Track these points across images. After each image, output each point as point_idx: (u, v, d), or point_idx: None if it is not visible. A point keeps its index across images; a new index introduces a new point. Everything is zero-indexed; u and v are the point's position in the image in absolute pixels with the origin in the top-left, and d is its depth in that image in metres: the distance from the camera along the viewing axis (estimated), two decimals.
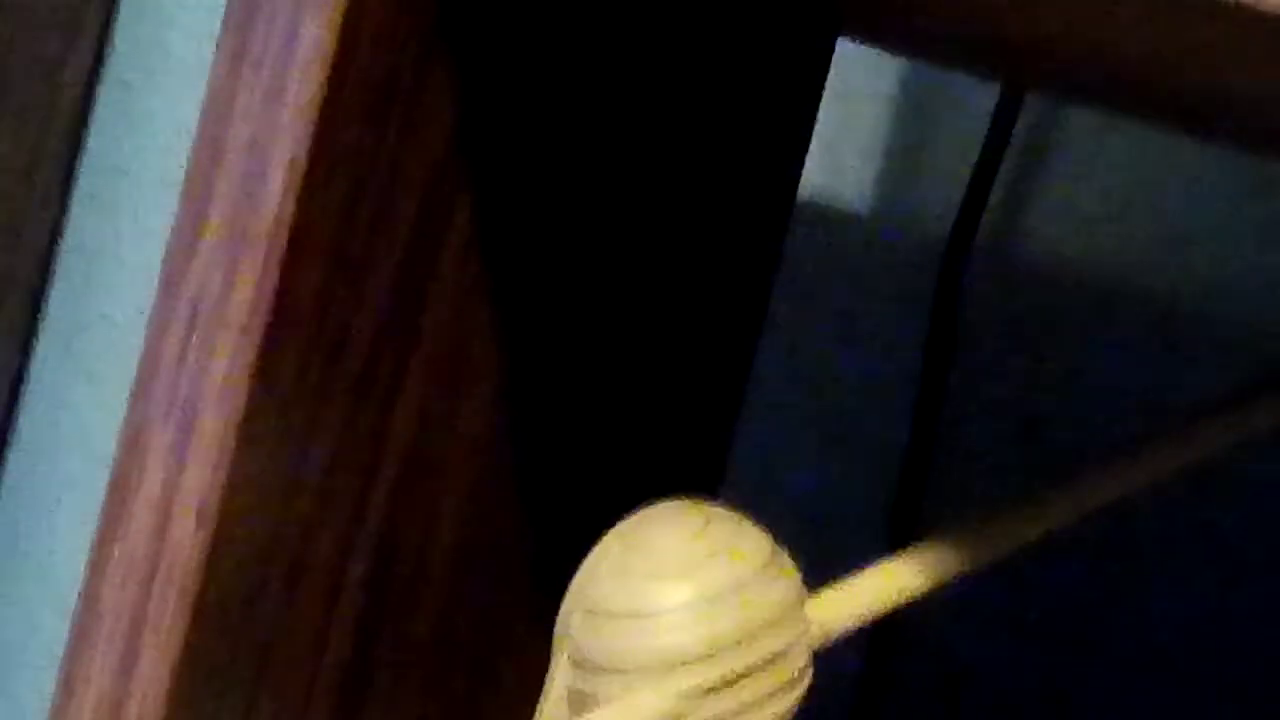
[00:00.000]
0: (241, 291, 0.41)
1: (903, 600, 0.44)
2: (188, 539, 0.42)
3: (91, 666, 0.42)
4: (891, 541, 0.72)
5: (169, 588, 0.42)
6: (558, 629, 0.42)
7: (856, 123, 0.77)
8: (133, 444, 0.43)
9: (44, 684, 1.03)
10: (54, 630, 1.03)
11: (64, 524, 1.05)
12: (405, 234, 0.44)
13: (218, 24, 0.42)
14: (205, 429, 0.42)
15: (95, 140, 1.06)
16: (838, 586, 0.43)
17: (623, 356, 0.53)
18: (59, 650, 0.43)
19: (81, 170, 1.06)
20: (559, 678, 0.42)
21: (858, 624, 0.43)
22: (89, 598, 0.43)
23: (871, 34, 0.59)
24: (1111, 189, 0.72)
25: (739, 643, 0.40)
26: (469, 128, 0.45)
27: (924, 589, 0.44)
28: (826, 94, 0.60)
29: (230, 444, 0.41)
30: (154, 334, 0.43)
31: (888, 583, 0.44)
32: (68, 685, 0.43)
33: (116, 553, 0.42)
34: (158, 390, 0.42)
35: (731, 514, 0.43)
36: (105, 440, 1.03)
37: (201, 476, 0.42)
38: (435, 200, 0.45)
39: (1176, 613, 0.69)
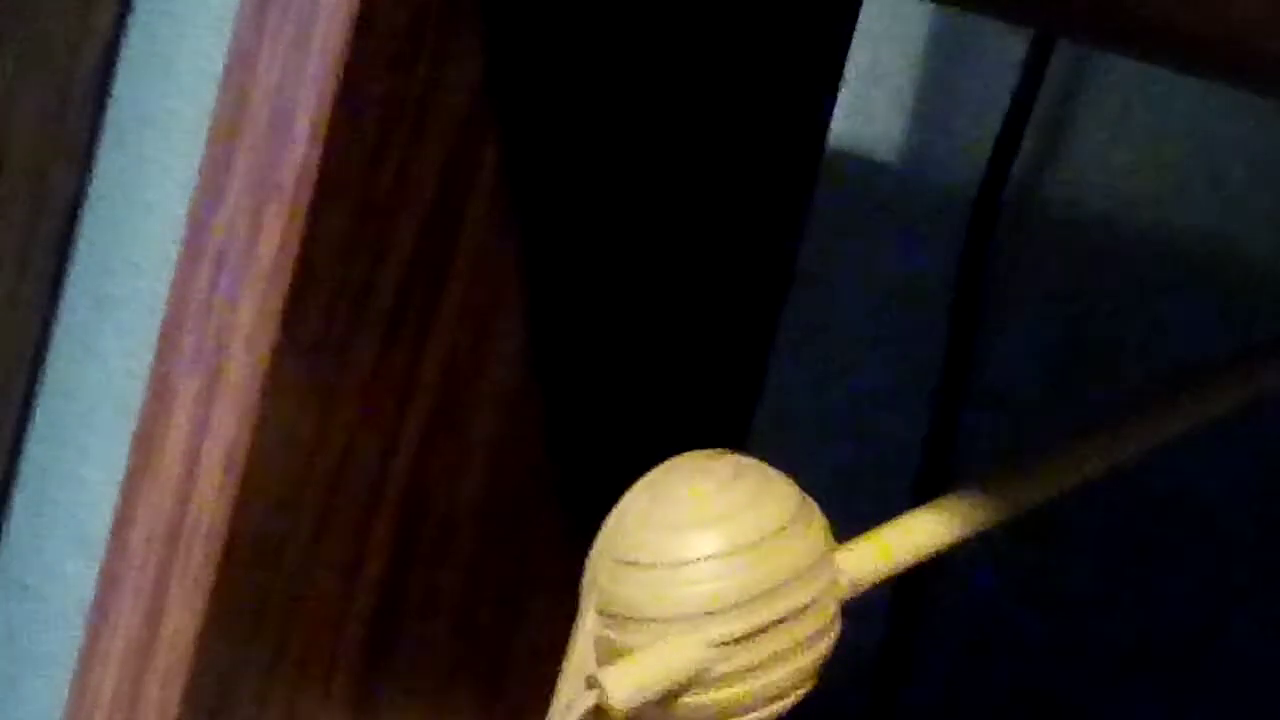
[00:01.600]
0: (268, 239, 0.41)
1: (931, 552, 0.44)
2: (215, 487, 0.42)
3: (120, 614, 0.43)
4: (920, 492, 0.72)
5: (196, 536, 0.42)
6: (585, 579, 0.42)
7: (886, 69, 0.77)
8: (160, 392, 0.43)
9: (72, 631, 1.03)
10: (82, 578, 1.04)
11: (92, 471, 1.05)
12: (432, 182, 0.44)
13: None
14: (232, 377, 0.41)
15: (122, 88, 1.06)
16: (866, 537, 0.43)
17: (651, 305, 0.53)
18: (87, 597, 0.43)
19: (109, 118, 1.06)
20: (587, 627, 0.42)
21: (886, 575, 0.43)
22: (117, 545, 0.43)
23: None
24: (1142, 136, 0.71)
25: (767, 593, 0.40)
26: (496, 75, 0.45)
27: (952, 540, 0.44)
28: (855, 39, 0.59)
29: (257, 392, 0.41)
30: (180, 281, 0.42)
31: (916, 534, 0.44)
32: (96, 633, 0.43)
33: (144, 501, 0.42)
34: (185, 338, 0.42)
35: (759, 465, 0.42)
36: (133, 388, 1.03)
37: (229, 424, 0.41)
38: (462, 148, 0.45)
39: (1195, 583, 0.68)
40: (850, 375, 0.77)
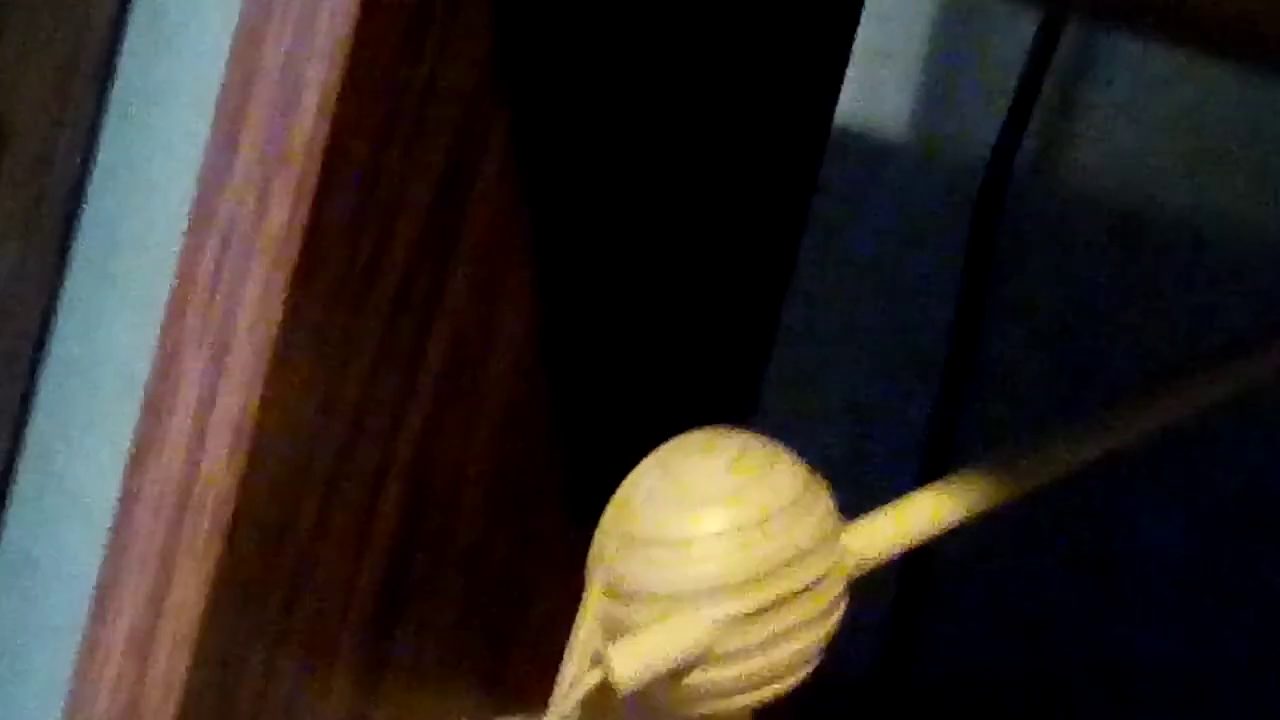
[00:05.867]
0: (275, 215, 0.41)
1: (938, 530, 0.44)
2: (221, 463, 0.42)
3: (125, 589, 0.43)
4: (926, 471, 0.72)
5: (202, 512, 0.42)
6: (592, 556, 0.42)
7: (895, 47, 0.76)
8: (166, 367, 0.43)
9: (77, 606, 1.03)
10: (87, 552, 1.04)
11: (97, 444, 1.05)
12: (439, 159, 0.44)
13: None
14: (239, 353, 0.41)
15: (128, 64, 1.06)
16: (873, 516, 0.43)
17: (659, 281, 0.53)
18: (92, 572, 0.43)
19: (114, 94, 1.06)
20: (593, 604, 0.42)
21: (893, 554, 0.43)
22: (122, 521, 0.43)
23: None
24: (1150, 117, 0.71)
25: (774, 571, 0.40)
26: (503, 54, 0.45)
27: (959, 519, 0.44)
28: (863, 19, 0.59)
29: (263, 368, 0.41)
30: (187, 257, 0.42)
31: (923, 513, 0.44)
32: (101, 608, 0.43)
33: (150, 476, 0.43)
34: (191, 314, 0.42)
35: (767, 442, 0.42)
36: (138, 363, 1.03)
37: (235, 400, 0.42)
38: (470, 125, 0.45)
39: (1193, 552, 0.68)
40: (856, 356, 0.77)
